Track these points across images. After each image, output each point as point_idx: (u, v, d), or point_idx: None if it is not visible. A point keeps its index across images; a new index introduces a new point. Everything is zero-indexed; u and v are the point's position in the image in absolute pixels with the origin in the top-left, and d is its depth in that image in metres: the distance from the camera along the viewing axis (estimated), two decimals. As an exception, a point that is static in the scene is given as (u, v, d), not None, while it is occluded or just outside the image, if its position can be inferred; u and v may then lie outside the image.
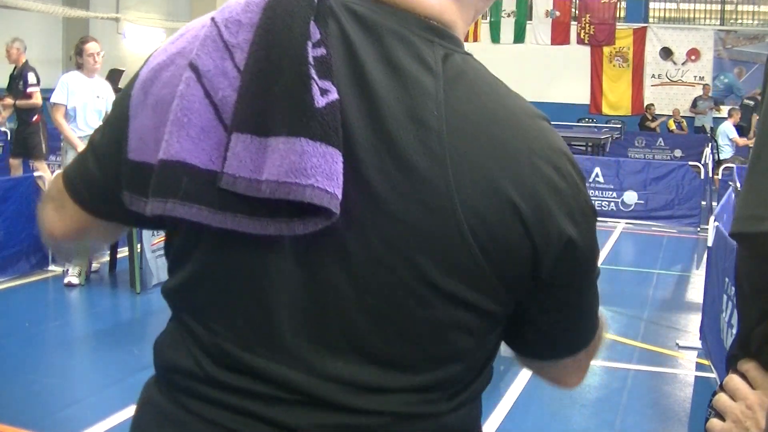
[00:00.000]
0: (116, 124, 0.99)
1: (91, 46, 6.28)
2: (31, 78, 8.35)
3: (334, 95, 0.86)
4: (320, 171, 0.84)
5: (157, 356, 1.03)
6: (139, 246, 6.04)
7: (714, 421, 1.02)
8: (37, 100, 8.39)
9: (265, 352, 0.92)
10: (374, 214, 0.87)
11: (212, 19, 0.93)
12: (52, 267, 6.56)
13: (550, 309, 0.97)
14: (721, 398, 1.02)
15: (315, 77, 0.85)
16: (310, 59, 0.86)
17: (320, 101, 0.85)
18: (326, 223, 0.85)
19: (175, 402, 0.98)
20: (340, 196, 0.85)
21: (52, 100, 6.29)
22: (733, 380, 1.02)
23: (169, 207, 0.89)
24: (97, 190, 1.02)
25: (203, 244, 0.93)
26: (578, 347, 1.04)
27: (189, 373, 0.96)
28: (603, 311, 1.07)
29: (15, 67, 8.61)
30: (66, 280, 6.18)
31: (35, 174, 6.98)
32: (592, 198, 0.96)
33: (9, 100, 8.59)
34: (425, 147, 0.86)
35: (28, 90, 8.31)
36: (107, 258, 6.69)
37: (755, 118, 14.19)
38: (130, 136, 0.96)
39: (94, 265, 6.48)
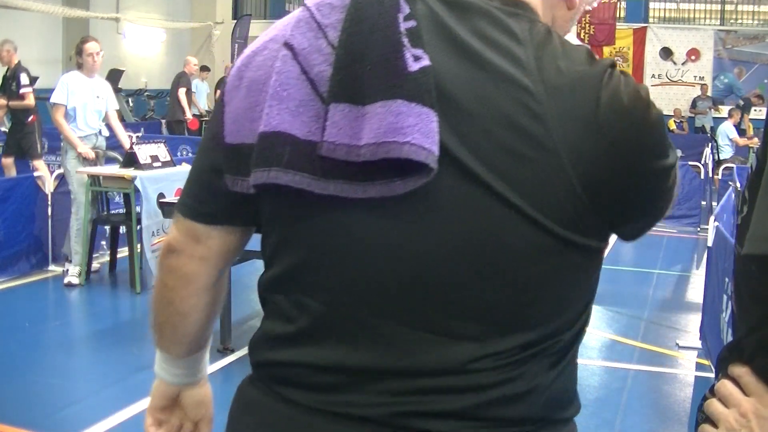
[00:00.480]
0: (213, 118, 1.05)
1: (90, 46, 6.28)
2: (24, 79, 8.32)
3: (426, 61, 0.91)
4: (417, 129, 0.89)
5: (269, 353, 1.04)
6: (139, 246, 6.04)
7: (706, 428, 1.00)
8: (30, 101, 8.37)
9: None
10: (481, 170, 0.92)
11: (304, 4, 1.00)
12: (52, 267, 6.56)
13: (645, 206, 1.01)
14: (713, 404, 1.00)
15: (407, 45, 0.92)
16: (402, 29, 0.92)
17: (413, 66, 0.91)
18: (425, 179, 0.90)
19: (308, 403, 0.99)
20: (437, 152, 0.89)
21: (52, 100, 6.29)
22: (726, 386, 1.00)
23: (272, 175, 0.94)
24: (207, 192, 1.07)
25: (304, 224, 0.98)
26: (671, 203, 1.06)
27: (326, 368, 0.98)
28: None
29: (8, 69, 8.57)
30: (66, 280, 6.17)
31: (35, 174, 6.98)
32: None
33: (2, 101, 8.56)
34: (525, 107, 0.92)
35: (21, 91, 8.28)
36: (107, 258, 6.70)
37: (746, 118, 14.24)
38: (226, 121, 1.02)
39: (94, 265, 6.48)
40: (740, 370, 0.99)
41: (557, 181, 0.92)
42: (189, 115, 11.55)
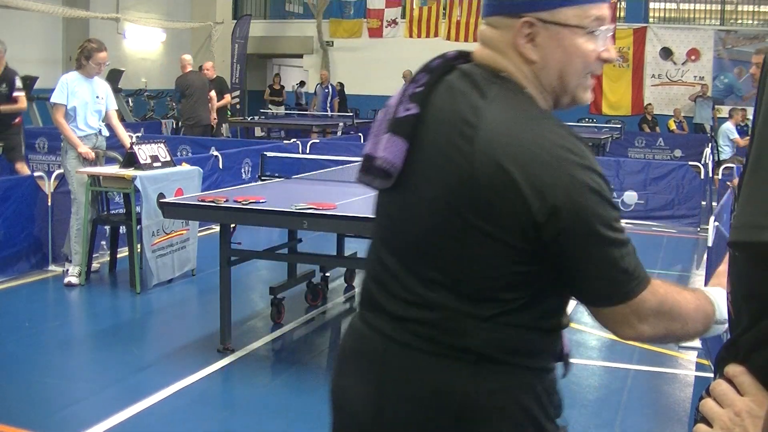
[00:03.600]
0: None
1: (103, 56, 6.39)
2: (18, 82, 8.24)
3: (413, 111, 1.44)
4: (389, 150, 1.45)
5: None
6: (139, 246, 6.05)
7: (701, 427, 1.00)
8: (23, 104, 8.29)
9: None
10: (428, 176, 1.41)
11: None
12: (52, 267, 6.57)
13: (564, 260, 1.34)
14: (708, 404, 1.00)
15: (404, 102, 1.46)
16: (407, 93, 1.46)
17: (401, 113, 1.45)
18: (388, 183, 1.46)
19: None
20: (398, 166, 1.44)
21: (53, 100, 6.30)
22: (720, 386, 1.00)
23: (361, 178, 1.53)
24: None
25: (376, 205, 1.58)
26: (604, 296, 1.36)
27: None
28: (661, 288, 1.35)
29: None
30: (66, 280, 6.18)
31: (35, 174, 6.98)
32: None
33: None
34: (464, 136, 1.36)
35: (15, 94, 8.15)
36: (107, 258, 6.70)
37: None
38: None
39: (94, 265, 6.49)
40: (735, 370, 0.99)
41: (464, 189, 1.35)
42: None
